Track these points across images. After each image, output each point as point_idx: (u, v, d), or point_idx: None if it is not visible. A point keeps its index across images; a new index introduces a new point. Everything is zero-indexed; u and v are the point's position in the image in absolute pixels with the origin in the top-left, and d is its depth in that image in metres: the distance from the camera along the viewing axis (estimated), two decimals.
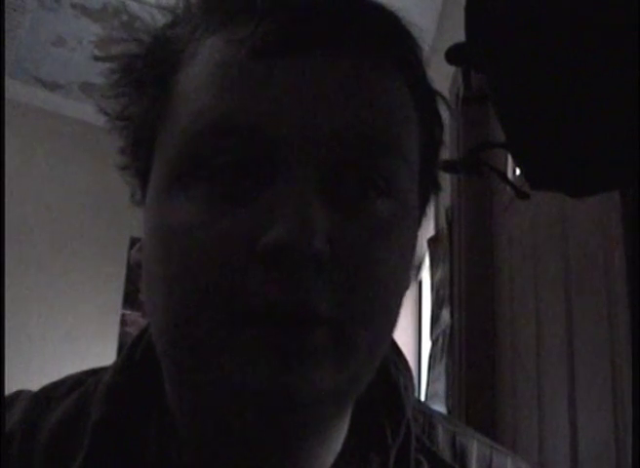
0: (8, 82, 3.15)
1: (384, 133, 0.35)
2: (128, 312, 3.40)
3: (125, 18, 2.74)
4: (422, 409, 0.47)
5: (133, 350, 0.42)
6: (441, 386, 1.71)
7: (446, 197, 1.82)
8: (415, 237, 0.39)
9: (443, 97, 0.42)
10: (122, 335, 3.33)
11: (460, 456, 0.45)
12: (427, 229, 2.09)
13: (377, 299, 0.34)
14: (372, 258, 0.34)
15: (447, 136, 0.42)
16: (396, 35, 0.37)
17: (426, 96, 0.40)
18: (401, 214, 0.36)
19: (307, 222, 0.31)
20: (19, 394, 0.45)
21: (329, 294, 0.32)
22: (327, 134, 0.33)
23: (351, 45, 0.35)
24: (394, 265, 0.35)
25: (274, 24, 0.34)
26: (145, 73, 0.39)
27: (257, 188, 0.33)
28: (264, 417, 0.32)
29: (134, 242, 3.37)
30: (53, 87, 3.34)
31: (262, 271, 0.32)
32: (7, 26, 2.80)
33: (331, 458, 0.40)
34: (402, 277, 0.36)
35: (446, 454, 0.45)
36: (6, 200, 2.74)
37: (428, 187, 0.42)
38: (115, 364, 0.42)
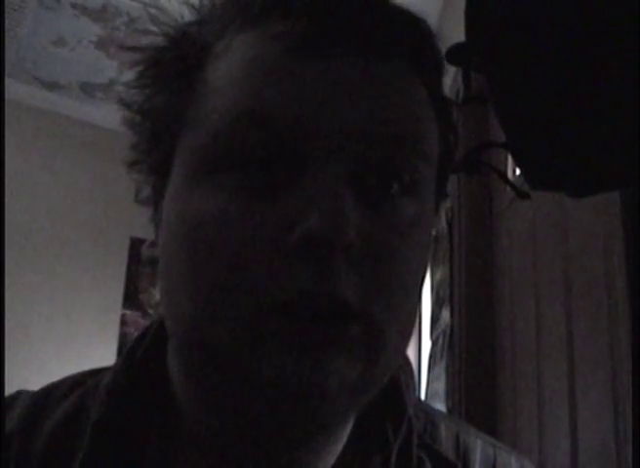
0: (8, 82, 3.14)
1: (412, 133, 0.36)
2: (128, 312, 3.40)
3: (125, 18, 2.74)
4: (424, 408, 0.47)
5: (133, 351, 0.42)
6: (441, 386, 1.71)
7: None
8: (431, 236, 0.40)
9: (455, 104, 0.43)
10: (122, 335, 3.33)
11: (464, 455, 0.45)
12: None
13: (402, 294, 0.35)
14: (396, 255, 0.35)
15: None
16: (424, 41, 0.39)
17: (443, 101, 0.41)
18: (421, 213, 0.37)
19: (341, 214, 0.31)
20: (19, 394, 0.45)
21: (358, 287, 0.33)
22: (357, 130, 0.34)
23: (382, 47, 0.36)
24: (415, 262, 0.36)
25: (310, 22, 0.35)
26: (171, 66, 0.39)
27: (288, 181, 0.34)
28: (295, 408, 0.32)
29: (134, 242, 3.36)
30: (53, 87, 3.34)
31: (294, 262, 0.32)
32: (7, 26, 2.79)
33: (335, 452, 0.40)
34: (421, 275, 0.37)
35: (449, 453, 0.44)
36: (6, 200, 2.74)
37: (441, 190, 0.42)
38: (116, 365, 0.42)
